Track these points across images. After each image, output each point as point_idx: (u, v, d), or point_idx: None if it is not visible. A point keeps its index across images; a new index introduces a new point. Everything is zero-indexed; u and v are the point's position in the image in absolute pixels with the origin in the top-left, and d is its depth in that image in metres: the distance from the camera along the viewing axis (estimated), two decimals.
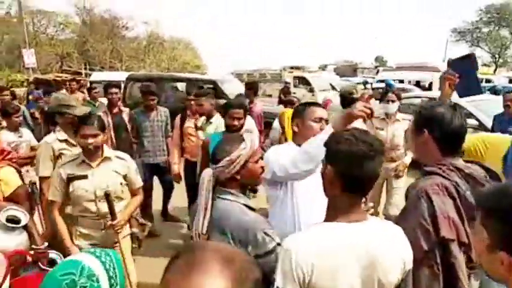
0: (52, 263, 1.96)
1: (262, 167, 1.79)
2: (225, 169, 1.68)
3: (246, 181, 1.73)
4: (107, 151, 2.69)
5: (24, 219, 1.99)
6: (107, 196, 2.46)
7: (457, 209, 1.65)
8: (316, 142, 1.86)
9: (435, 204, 1.59)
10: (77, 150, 2.77)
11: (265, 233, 1.58)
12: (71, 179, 2.55)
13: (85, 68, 23.10)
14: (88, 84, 10.41)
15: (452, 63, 1.86)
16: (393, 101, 4.30)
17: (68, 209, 2.65)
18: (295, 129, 2.32)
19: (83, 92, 9.08)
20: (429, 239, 1.58)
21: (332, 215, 1.40)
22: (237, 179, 1.70)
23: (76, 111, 3.10)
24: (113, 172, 2.65)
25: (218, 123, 3.94)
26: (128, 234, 2.80)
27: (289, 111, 4.16)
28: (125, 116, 4.63)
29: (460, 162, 1.75)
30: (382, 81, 12.95)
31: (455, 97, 2.18)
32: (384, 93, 4.54)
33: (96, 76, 14.54)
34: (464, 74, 1.86)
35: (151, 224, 2.95)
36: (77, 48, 29.75)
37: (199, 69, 33.56)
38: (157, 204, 4.90)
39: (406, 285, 1.42)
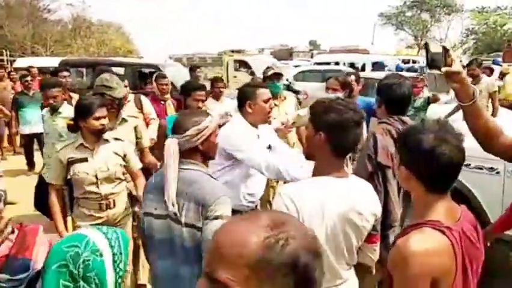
0: None
1: (217, 143, 1.92)
2: (191, 138, 1.76)
3: (207, 153, 1.84)
4: (105, 134, 2.70)
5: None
6: None
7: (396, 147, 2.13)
8: (300, 174, 2.21)
9: (378, 140, 2.20)
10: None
11: (224, 200, 1.70)
12: (71, 162, 2.59)
13: (6, 55, 21.11)
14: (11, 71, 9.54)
15: (432, 56, 1.57)
16: None
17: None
18: (249, 110, 2.59)
19: (12, 80, 8.34)
20: (371, 163, 2.19)
21: (321, 173, 1.57)
22: (199, 149, 1.80)
23: (115, 93, 3.04)
24: (113, 154, 2.69)
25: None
26: (130, 213, 2.90)
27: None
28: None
29: (406, 118, 2.37)
30: (324, 63, 13.33)
31: None
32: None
33: (21, 62, 13.37)
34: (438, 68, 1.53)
35: None
36: None
37: (131, 54, 32.12)
38: None
39: (376, 229, 1.70)
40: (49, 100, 3.80)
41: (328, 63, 14.86)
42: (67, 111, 3.80)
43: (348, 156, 1.74)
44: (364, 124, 1.64)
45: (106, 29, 34.05)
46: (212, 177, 1.82)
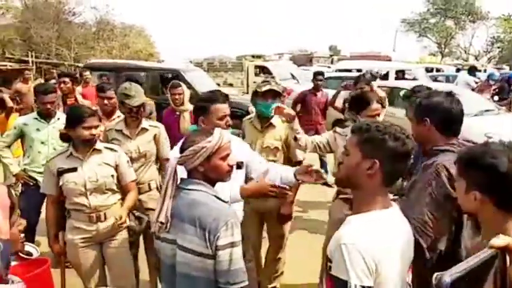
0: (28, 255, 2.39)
1: (230, 166, 1.78)
2: (187, 159, 1.69)
3: (209, 175, 1.73)
4: (97, 143, 2.63)
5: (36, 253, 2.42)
6: None
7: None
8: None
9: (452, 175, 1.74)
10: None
11: (235, 224, 1.61)
12: (60, 172, 2.53)
13: (31, 56, 21.56)
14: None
15: None
16: None
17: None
18: (202, 126, 2.37)
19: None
20: (451, 203, 1.71)
21: (368, 205, 1.42)
22: (199, 171, 1.71)
23: (132, 102, 3.02)
24: (104, 164, 2.60)
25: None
26: (125, 228, 2.71)
27: None
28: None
29: (463, 140, 2.00)
30: (345, 70, 13.10)
31: None
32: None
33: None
34: None
35: (147, 216, 2.85)
36: (19, 35, 27.72)
37: (153, 57, 32.46)
38: None
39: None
40: (46, 106, 3.73)
41: (349, 70, 14.63)
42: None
43: None
44: None
45: (128, 32, 34.54)
46: (218, 197, 1.71)
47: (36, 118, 3.79)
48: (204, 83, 8.99)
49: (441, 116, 1.92)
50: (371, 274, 1.29)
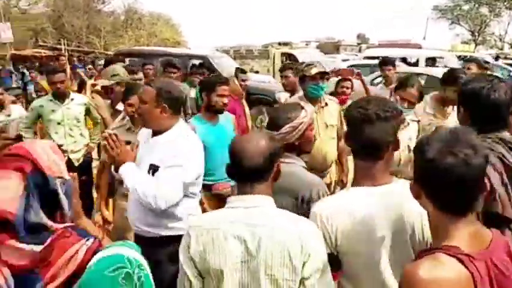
0: None
1: (314, 135, 1.95)
2: (286, 135, 1.79)
3: (303, 147, 1.87)
4: None
5: None
6: None
7: (503, 183, 1.65)
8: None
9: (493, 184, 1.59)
10: None
11: (325, 192, 1.75)
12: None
13: (64, 44, 22.14)
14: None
15: None
16: None
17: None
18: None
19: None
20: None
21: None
22: (295, 145, 1.83)
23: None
24: None
25: None
26: None
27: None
28: None
29: (505, 134, 1.74)
30: (373, 58, 12.85)
31: None
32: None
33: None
34: None
35: None
36: (51, 23, 28.47)
37: (180, 46, 32.72)
38: None
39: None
40: (56, 85, 3.85)
41: (378, 58, 14.34)
42: (80, 98, 4.07)
43: None
44: None
45: (156, 20, 34.91)
46: (307, 169, 1.83)
47: (51, 100, 3.94)
48: (231, 69, 9.03)
49: (476, 103, 1.72)
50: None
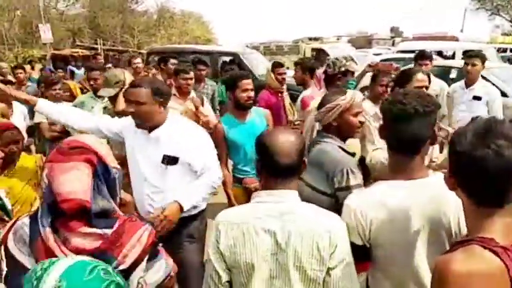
0: None
1: (360, 122, 2.00)
2: (323, 115, 1.95)
3: (341, 130, 1.96)
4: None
5: None
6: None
7: None
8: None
9: None
10: None
11: (350, 170, 1.82)
12: None
13: (99, 43, 22.85)
14: None
15: None
16: None
17: None
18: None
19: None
20: None
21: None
22: (333, 125, 1.95)
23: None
24: None
25: None
26: None
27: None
28: None
29: None
30: (408, 51, 12.50)
31: None
32: None
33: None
34: None
35: None
36: (87, 23, 29.42)
37: (211, 43, 33.05)
38: None
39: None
40: (89, 82, 3.95)
41: (413, 52, 13.93)
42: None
43: None
44: None
45: (187, 18, 35.39)
46: (343, 149, 1.92)
47: (92, 96, 4.05)
48: (261, 65, 9.03)
49: None
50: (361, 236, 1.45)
